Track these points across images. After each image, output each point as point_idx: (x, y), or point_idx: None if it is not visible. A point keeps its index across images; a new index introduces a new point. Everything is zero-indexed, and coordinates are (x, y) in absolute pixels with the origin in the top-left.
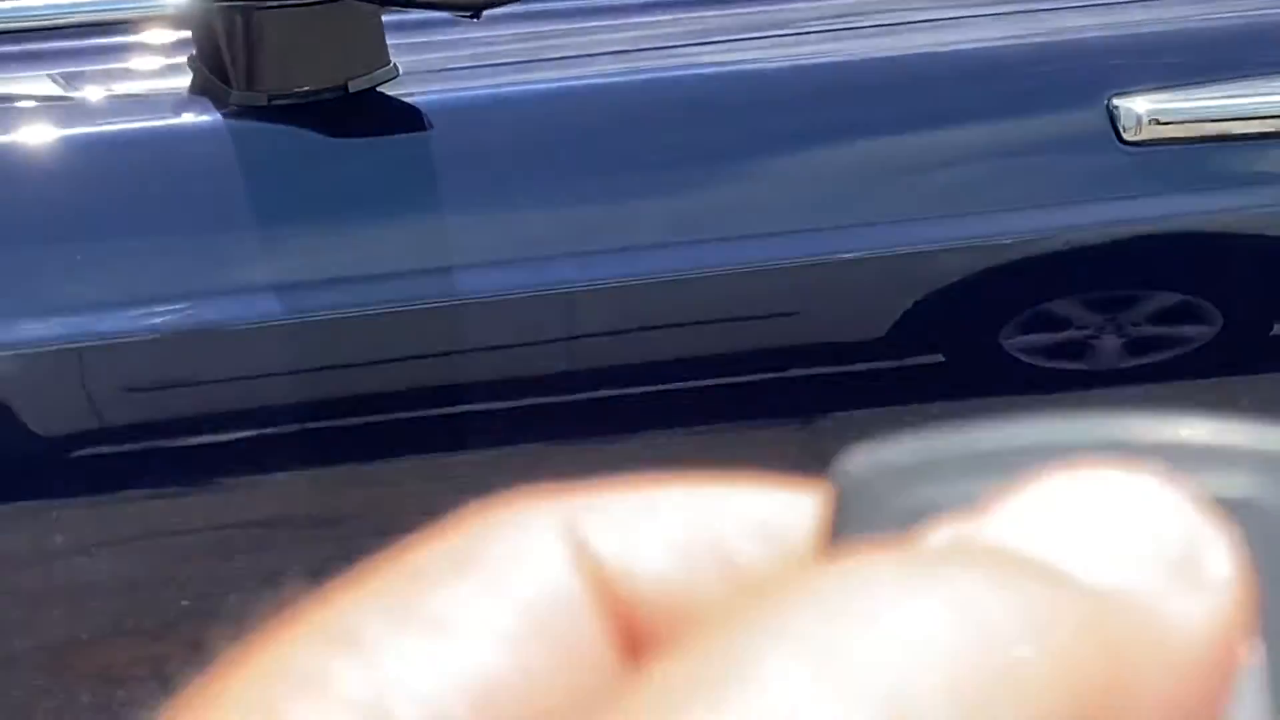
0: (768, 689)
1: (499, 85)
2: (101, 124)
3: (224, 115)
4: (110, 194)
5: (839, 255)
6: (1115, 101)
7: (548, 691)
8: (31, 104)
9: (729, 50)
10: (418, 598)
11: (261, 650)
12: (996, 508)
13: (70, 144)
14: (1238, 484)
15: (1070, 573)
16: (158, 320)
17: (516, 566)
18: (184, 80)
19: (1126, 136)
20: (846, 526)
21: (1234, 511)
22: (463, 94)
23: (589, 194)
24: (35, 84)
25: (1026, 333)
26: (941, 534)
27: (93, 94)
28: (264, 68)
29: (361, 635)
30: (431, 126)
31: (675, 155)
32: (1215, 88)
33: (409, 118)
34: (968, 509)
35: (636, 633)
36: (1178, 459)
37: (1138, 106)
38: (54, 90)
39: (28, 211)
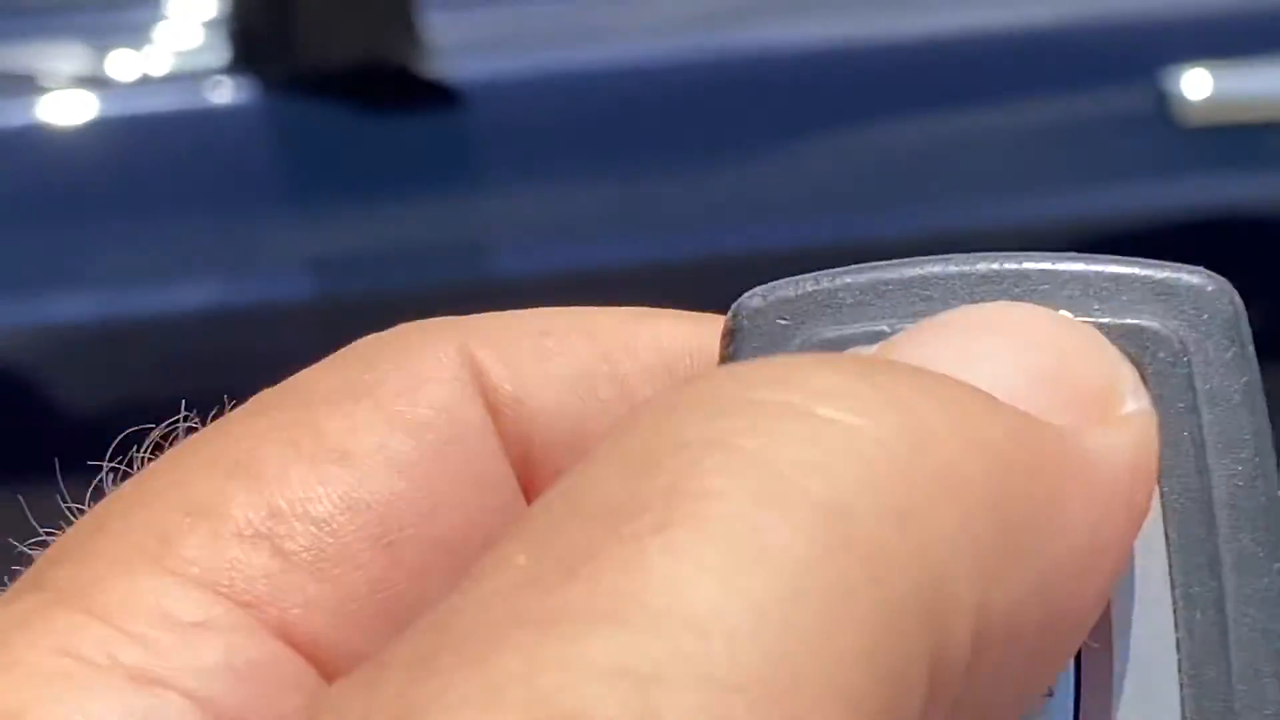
0: (707, 507)
1: (538, 60)
2: (135, 99)
3: (259, 89)
4: (143, 169)
5: (882, 237)
6: (1169, 83)
7: (448, 516)
8: (66, 79)
9: (768, 27)
10: (313, 425)
11: (154, 478)
12: (904, 340)
13: (104, 119)
14: (1131, 312)
15: (994, 394)
16: (192, 297)
17: (413, 393)
18: (219, 54)
19: (1180, 118)
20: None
21: (1130, 338)
22: (500, 68)
23: (627, 173)
24: (69, 59)
25: None
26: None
27: (126, 68)
28: (299, 41)
29: (256, 463)
30: (468, 101)
31: (716, 136)
32: (1274, 66)
33: (445, 92)
34: (869, 344)
35: (533, 465)
36: (1074, 290)
37: (1192, 87)
38: (88, 65)
39: (61, 188)
